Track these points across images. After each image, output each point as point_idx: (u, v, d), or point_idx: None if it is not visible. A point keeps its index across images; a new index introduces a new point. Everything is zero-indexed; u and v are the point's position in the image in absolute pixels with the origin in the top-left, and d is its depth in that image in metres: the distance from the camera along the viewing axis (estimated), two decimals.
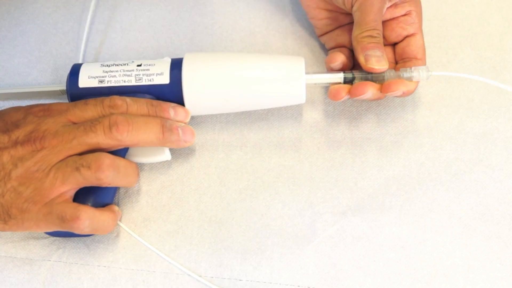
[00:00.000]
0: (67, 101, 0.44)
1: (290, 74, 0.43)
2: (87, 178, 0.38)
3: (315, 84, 0.44)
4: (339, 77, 0.44)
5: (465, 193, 0.45)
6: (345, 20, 0.47)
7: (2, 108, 0.42)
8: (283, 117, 0.47)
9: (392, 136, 0.47)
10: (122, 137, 0.39)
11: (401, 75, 0.43)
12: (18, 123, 0.39)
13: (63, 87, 0.45)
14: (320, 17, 0.47)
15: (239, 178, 0.45)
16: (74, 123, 0.40)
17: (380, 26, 0.43)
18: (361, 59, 0.43)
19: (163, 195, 0.45)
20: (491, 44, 0.50)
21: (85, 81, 0.43)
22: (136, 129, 0.40)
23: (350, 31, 0.44)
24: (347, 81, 0.44)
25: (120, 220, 0.44)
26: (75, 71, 0.44)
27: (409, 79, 0.43)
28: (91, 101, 0.41)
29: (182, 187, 0.45)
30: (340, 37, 0.47)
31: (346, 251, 0.43)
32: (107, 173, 0.38)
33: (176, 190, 0.45)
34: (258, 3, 0.52)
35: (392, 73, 0.43)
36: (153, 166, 0.45)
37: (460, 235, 0.44)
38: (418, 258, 0.43)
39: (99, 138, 0.39)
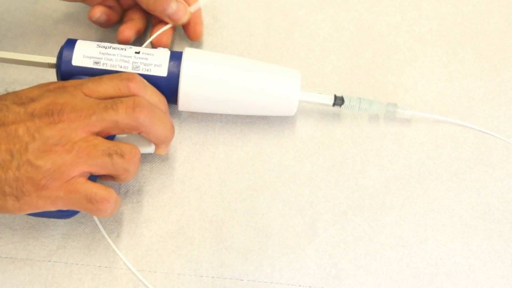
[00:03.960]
0: (54, 73, 0.43)
1: (285, 88, 0.44)
2: (115, 166, 0.37)
3: (307, 101, 0.45)
4: (330, 98, 0.45)
5: (465, 192, 0.45)
6: None
7: None
8: (284, 117, 0.47)
9: (392, 135, 0.47)
10: (143, 120, 0.38)
11: (388, 109, 0.46)
12: (34, 97, 0.38)
13: (53, 60, 0.43)
14: None
15: (240, 178, 0.45)
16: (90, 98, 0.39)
17: None
18: (169, 21, 0.46)
19: (164, 195, 0.45)
20: (492, 43, 0.50)
21: (79, 59, 0.42)
22: (156, 118, 0.39)
23: None
24: (337, 104, 0.45)
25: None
26: (69, 46, 0.43)
27: (393, 114, 0.46)
28: (106, 75, 0.40)
29: (183, 187, 0.45)
30: None
31: (347, 251, 0.43)
32: (136, 165, 0.38)
33: (177, 190, 0.45)
34: (258, 4, 0.52)
35: (379, 105, 0.45)
36: (154, 166, 0.45)
37: (461, 234, 0.44)
38: (419, 257, 0.43)
39: (119, 116, 0.38)
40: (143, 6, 0.46)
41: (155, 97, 0.41)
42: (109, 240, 0.43)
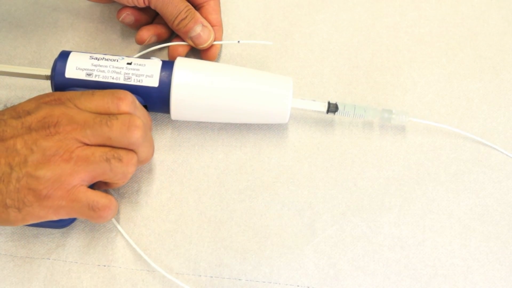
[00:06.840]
0: (49, 84, 0.44)
1: (277, 97, 0.43)
2: (114, 171, 0.38)
3: (300, 109, 0.45)
4: (324, 105, 0.45)
5: (464, 193, 0.45)
6: None
7: None
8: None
9: (391, 136, 0.47)
10: (135, 140, 0.39)
11: (383, 116, 0.45)
12: (30, 110, 0.39)
13: (48, 72, 0.44)
14: None
15: (238, 179, 0.45)
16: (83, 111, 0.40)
17: (183, 3, 0.45)
18: (191, 43, 0.46)
19: (163, 196, 0.45)
20: (491, 44, 0.50)
21: (72, 71, 0.42)
22: (146, 139, 0.40)
23: None
24: (331, 111, 0.45)
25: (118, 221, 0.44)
26: (63, 58, 0.43)
27: (388, 120, 0.45)
28: (99, 91, 0.40)
29: (182, 187, 0.45)
30: None
31: (346, 251, 0.43)
32: (134, 169, 0.39)
33: (176, 191, 0.45)
34: (258, 4, 0.52)
35: (373, 111, 0.45)
36: (153, 167, 0.46)
37: (459, 236, 0.44)
38: (417, 258, 0.43)
39: (113, 133, 0.38)
40: (168, 24, 0.46)
41: (143, 119, 0.41)
42: (129, 239, 0.43)
